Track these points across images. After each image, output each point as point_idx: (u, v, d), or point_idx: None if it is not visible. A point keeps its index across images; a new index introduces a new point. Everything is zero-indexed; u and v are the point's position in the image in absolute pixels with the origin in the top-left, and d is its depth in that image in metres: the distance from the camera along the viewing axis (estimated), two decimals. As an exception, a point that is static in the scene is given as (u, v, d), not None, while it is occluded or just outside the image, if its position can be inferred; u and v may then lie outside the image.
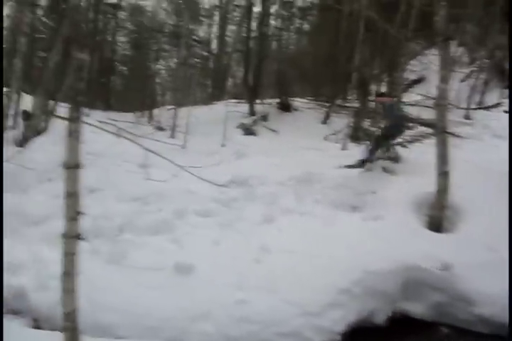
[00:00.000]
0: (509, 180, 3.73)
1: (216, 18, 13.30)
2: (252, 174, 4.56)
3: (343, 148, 6.76)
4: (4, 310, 2.74)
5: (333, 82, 9.30)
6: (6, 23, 10.15)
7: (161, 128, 7.61)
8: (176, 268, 2.92)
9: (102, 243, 3.05)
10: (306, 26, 12.45)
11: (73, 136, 1.58)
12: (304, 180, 4.58)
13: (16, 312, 2.83)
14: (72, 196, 1.64)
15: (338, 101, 9.31)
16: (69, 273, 1.72)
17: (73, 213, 1.65)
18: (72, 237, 1.69)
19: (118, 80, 13.28)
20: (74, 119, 1.57)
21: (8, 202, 3.61)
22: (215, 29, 13.78)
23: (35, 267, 2.92)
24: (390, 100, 5.78)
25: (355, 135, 7.44)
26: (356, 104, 8.71)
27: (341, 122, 8.02)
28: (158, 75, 12.95)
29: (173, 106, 8.16)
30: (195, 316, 2.71)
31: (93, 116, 6.71)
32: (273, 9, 10.60)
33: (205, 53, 13.32)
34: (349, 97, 10.05)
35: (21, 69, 5.88)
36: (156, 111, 8.94)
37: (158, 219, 3.46)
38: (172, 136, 6.90)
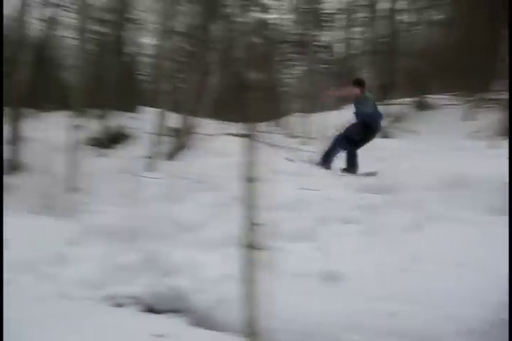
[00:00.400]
0: (509, 180, 3.41)
1: (339, 21, 13.15)
2: (393, 178, 4.37)
3: (491, 147, 6.06)
4: (166, 308, 3.00)
5: (475, 74, 8.47)
6: (151, 50, 11.46)
7: (292, 136, 7.79)
8: (322, 275, 2.90)
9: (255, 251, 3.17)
10: (438, 17, 11.55)
11: (250, 151, 1.70)
12: (451, 184, 4.23)
13: (176, 311, 3.05)
14: (250, 208, 1.76)
15: (482, 95, 8.44)
16: (248, 281, 1.84)
17: (251, 224, 1.78)
18: (250, 247, 1.81)
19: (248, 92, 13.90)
20: (250, 136, 1.69)
21: (163, 210, 4.01)
22: (338, 32, 13.64)
23: (191, 270, 3.14)
24: (358, 93, 4.40)
25: (506, 131, 6.63)
26: (504, 97, 7.79)
27: (486, 118, 7.26)
28: (285, 84, 13.26)
29: (302, 113, 8.29)
30: (345, 326, 2.63)
31: (231, 128, 7.15)
32: (401, 4, 10.09)
33: (330, 58, 13.26)
34: (495, 89, 9.04)
35: (167, 91, 6.57)
36: (286, 119, 9.16)
37: (301, 226, 3.49)
38: (304, 143, 7.01)
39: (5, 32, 9.50)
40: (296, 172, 4.57)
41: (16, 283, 3.00)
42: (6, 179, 5.61)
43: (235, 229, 3.44)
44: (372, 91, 4.90)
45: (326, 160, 4.25)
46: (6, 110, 6.78)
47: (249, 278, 1.84)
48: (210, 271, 3.04)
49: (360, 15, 12.26)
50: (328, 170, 4.52)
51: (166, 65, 7.01)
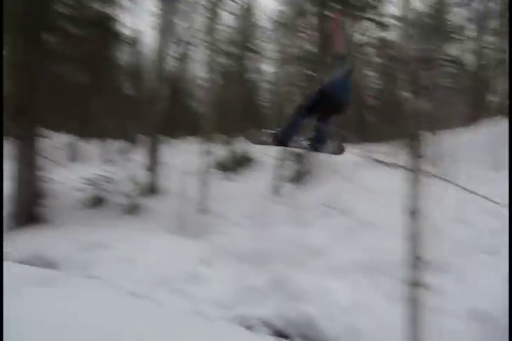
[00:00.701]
0: (509, 178, 3.50)
1: (469, 32, 12.23)
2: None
3: None
4: (295, 333, 2.96)
5: None
6: (271, 77, 11.94)
7: (419, 156, 7.33)
8: (470, 314, 2.60)
9: (385, 279, 3.01)
10: None
11: (414, 183, 1.65)
12: None
13: (304, 337, 2.99)
14: (412, 240, 1.69)
15: None
16: (413, 319, 1.74)
17: (415, 258, 1.70)
18: (414, 284, 1.72)
19: (369, 112, 13.60)
20: (415, 170, 1.64)
21: (290, 233, 4.02)
22: (467, 44, 12.68)
23: (319, 296, 3.07)
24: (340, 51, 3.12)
25: None
26: None
27: None
28: (408, 102, 12.69)
29: (430, 132, 7.77)
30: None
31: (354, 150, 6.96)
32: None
33: (459, 71, 12.33)
34: None
35: (288, 115, 6.72)
36: (413, 139, 8.65)
37: (433, 255, 3.21)
38: (433, 164, 6.51)
39: (146, 69, 10.71)
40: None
41: (152, 298, 3.23)
42: (144, 201, 6.17)
43: (363, 255, 3.32)
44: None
45: (282, 135, 3.34)
46: (145, 138, 7.55)
47: (412, 316, 1.71)
48: (339, 298, 2.94)
49: (493, 22, 11.24)
50: (285, 147, 3.85)
51: (285, 90, 7.19)
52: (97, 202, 6.55)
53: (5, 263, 3.82)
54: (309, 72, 9.06)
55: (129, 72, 11.65)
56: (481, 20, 11.74)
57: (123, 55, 11.43)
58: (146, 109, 7.60)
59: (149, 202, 6.10)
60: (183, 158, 7.01)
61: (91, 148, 11.10)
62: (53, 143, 8.51)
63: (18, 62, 5.82)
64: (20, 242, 4.94)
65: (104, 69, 7.94)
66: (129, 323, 2.65)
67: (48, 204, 6.04)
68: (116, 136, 10.35)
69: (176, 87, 11.09)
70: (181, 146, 8.63)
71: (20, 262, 3.93)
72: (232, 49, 11.02)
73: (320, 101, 3.60)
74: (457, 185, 2.09)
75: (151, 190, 6.61)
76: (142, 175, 6.83)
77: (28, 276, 3.03)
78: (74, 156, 11.66)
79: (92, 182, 6.68)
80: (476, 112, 10.72)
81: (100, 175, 6.80)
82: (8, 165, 6.78)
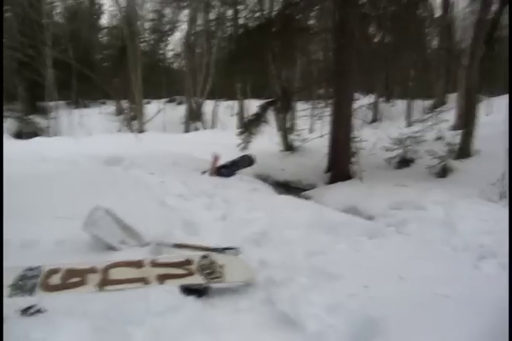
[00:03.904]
0: (509, 177, 3.71)
1: None
2: None
3: None
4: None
5: None
6: None
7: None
8: None
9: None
10: None
11: None
12: None
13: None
14: None
15: None
16: None
17: None
18: None
19: None
20: None
21: None
22: None
23: None
24: None
25: None
26: None
27: None
28: None
29: None
30: None
31: None
32: None
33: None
34: None
35: None
36: None
37: None
38: None
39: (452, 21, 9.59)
40: None
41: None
42: (456, 163, 5.65)
43: None
44: None
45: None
46: (456, 96, 6.91)
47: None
48: None
49: None
50: None
51: None
52: (403, 162, 6.50)
53: (328, 210, 4.24)
54: None
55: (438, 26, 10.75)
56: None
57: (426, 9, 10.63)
58: (456, 65, 6.93)
59: (462, 165, 5.63)
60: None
61: (394, 108, 11.09)
62: (359, 104, 8.85)
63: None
64: (336, 195, 5.46)
65: (412, 26, 7.54)
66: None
67: (357, 162, 6.39)
68: (423, 96, 9.90)
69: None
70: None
71: (341, 211, 4.29)
72: None
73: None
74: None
75: (463, 151, 6.05)
76: (451, 136, 6.34)
77: (357, 226, 3.26)
78: (376, 116, 11.99)
79: (397, 142, 6.63)
80: None
81: (406, 135, 6.68)
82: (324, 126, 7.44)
